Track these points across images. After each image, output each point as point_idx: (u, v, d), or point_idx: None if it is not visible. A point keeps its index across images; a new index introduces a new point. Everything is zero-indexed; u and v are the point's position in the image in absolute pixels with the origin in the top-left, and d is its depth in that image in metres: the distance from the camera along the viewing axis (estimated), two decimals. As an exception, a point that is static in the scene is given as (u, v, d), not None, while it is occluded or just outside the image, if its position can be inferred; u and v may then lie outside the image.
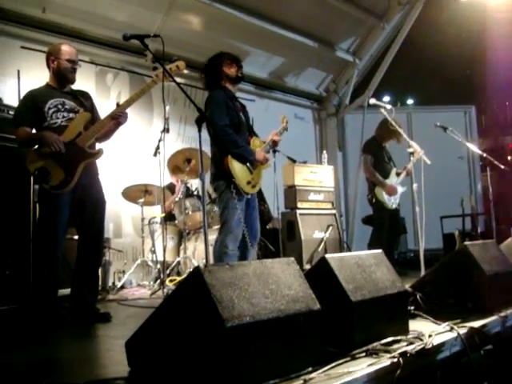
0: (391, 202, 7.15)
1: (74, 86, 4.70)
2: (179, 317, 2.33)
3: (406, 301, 3.32)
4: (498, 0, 9.50)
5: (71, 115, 4.47)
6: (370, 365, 2.43)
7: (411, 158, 5.90)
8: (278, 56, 9.95)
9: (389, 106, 6.01)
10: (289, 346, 2.32)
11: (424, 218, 5.40)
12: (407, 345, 2.75)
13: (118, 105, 4.60)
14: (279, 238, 7.41)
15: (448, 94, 14.29)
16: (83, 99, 4.63)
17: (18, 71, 6.27)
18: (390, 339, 2.78)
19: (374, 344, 2.68)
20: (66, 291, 4.51)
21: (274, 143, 5.13)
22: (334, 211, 8.12)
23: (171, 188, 7.49)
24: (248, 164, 4.70)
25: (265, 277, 2.43)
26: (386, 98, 15.09)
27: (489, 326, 3.44)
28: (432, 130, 6.73)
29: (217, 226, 5.75)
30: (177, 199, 7.15)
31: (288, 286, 2.47)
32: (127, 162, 7.70)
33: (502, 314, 3.66)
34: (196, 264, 6.52)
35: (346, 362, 2.48)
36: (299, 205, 7.61)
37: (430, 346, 2.77)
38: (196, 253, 6.87)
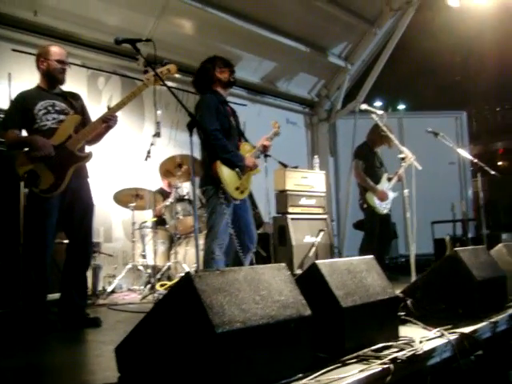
0: (382, 207, 7.16)
1: (66, 88, 4.69)
2: (170, 322, 2.32)
3: (396, 306, 3.32)
4: (490, 7, 9.53)
5: (61, 117, 4.45)
6: (361, 371, 2.42)
7: (402, 164, 5.91)
8: (270, 61, 9.96)
9: (380, 112, 6.03)
10: (279, 352, 2.32)
11: (415, 224, 5.41)
12: (398, 351, 2.75)
13: (108, 108, 4.58)
14: (270, 243, 7.41)
15: (439, 99, 14.36)
16: (73, 101, 4.61)
17: (9, 74, 6.26)
18: (380, 345, 2.78)
19: (365, 350, 2.68)
20: (56, 295, 4.49)
21: (265, 148, 5.12)
22: (325, 216, 8.11)
23: (162, 193, 7.47)
24: (237, 170, 4.69)
25: (255, 282, 2.43)
26: (378, 103, 15.15)
27: (479, 332, 3.44)
28: (423, 136, 6.75)
29: (207, 231, 5.75)
30: (168, 203, 7.13)
31: (279, 292, 2.47)
32: (118, 166, 7.68)
33: (493, 319, 3.67)
34: (187, 269, 6.50)
35: (336, 368, 2.48)
36: (290, 210, 7.60)
37: (421, 351, 2.77)
38: (187, 257, 6.85)
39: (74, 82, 5.91)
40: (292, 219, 7.53)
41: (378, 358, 2.60)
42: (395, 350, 2.78)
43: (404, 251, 10.18)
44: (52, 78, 4.50)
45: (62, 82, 4.57)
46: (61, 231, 4.62)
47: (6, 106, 4.78)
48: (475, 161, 7.00)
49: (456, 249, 4.00)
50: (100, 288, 6.62)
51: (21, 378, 2.75)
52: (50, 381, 2.70)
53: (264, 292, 2.41)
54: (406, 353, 2.70)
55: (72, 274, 4.41)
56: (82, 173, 4.52)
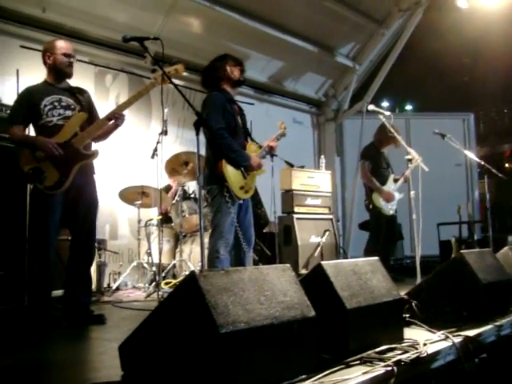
0: (388, 208, 7.15)
1: (72, 85, 4.69)
2: (174, 321, 2.32)
3: (401, 309, 3.31)
4: (498, 8, 9.50)
5: (67, 112, 4.45)
6: (365, 373, 2.41)
7: (409, 165, 5.90)
8: (278, 60, 9.96)
9: (387, 113, 6.02)
10: (283, 353, 2.31)
11: (421, 225, 5.40)
12: (402, 353, 2.73)
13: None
14: (275, 242, 7.40)
15: (447, 100, 14.32)
16: (81, 96, 4.60)
17: (17, 70, 6.26)
18: (384, 347, 2.77)
19: (369, 352, 2.67)
20: (61, 292, 4.50)
21: (271, 149, 5.10)
22: (330, 216, 8.11)
23: (168, 190, 7.47)
24: (242, 169, 4.67)
25: (260, 283, 2.42)
26: (385, 104, 15.13)
27: (484, 335, 3.43)
28: (430, 137, 6.73)
29: (212, 230, 5.75)
30: (174, 202, 7.14)
31: (283, 293, 2.46)
32: (125, 163, 7.69)
33: (497, 323, 3.66)
34: (192, 267, 6.51)
35: (340, 369, 2.47)
36: (296, 209, 7.61)
37: (425, 354, 2.76)
38: (192, 256, 6.86)
39: (81, 79, 5.91)
40: (298, 219, 7.53)
41: (382, 360, 2.59)
42: (399, 352, 2.76)
43: (409, 252, 10.15)
44: (59, 72, 4.49)
45: (69, 75, 4.57)
46: (65, 228, 4.62)
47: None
48: (482, 163, 6.98)
49: (462, 251, 3.98)
50: (105, 285, 6.64)
51: (24, 374, 2.75)
52: (53, 377, 2.70)
53: (268, 292, 2.40)
54: (410, 355, 2.69)
55: (76, 270, 4.41)
56: (88, 170, 4.53)
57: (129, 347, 2.57)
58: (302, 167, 8.04)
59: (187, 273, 6.42)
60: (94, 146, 4.62)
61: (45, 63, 4.52)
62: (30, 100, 4.39)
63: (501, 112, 18.73)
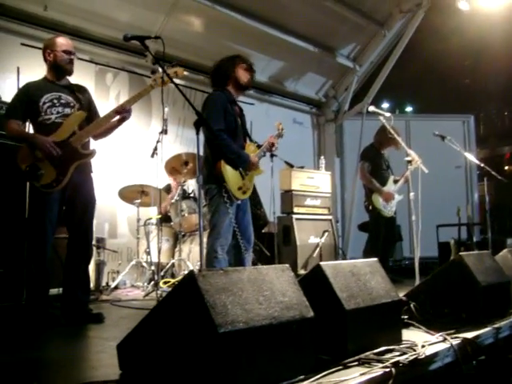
0: (387, 209, 7.15)
1: (73, 82, 4.68)
2: (172, 321, 2.32)
3: (399, 310, 3.31)
4: (500, 11, 9.50)
5: (66, 110, 4.44)
6: (363, 374, 2.41)
7: (409, 167, 5.90)
8: (278, 60, 9.96)
9: (388, 114, 6.02)
10: (281, 354, 2.31)
11: (420, 227, 5.40)
12: (400, 354, 2.74)
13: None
14: (274, 243, 7.41)
15: (447, 102, 14.32)
16: (80, 94, 4.60)
17: (18, 68, 6.26)
18: (382, 348, 2.77)
19: (367, 353, 2.67)
20: (60, 290, 4.49)
21: (271, 145, 5.10)
22: (330, 217, 8.12)
23: (169, 189, 7.47)
24: (240, 169, 4.67)
25: (259, 283, 2.42)
26: (385, 105, 15.14)
27: (482, 337, 3.43)
28: (430, 139, 6.73)
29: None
30: (173, 201, 7.14)
31: (282, 293, 2.47)
32: (124, 162, 7.69)
33: (496, 325, 3.66)
34: (190, 266, 6.51)
35: (338, 370, 2.47)
36: (295, 210, 7.62)
37: (423, 356, 2.76)
38: (191, 255, 6.86)
39: (81, 78, 5.91)
40: (297, 219, 7.54)
41: (380, 361, 2.59)
42: (397, 353, 2.77)
43: (408, 254, 10.14)
44: (59, 69, 4.49)
45: (69, 72, 4.56)
46: (63, 226, 4.62)
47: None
48: (482, 165, 6.98)
49: (461, 253, 3.98)
50: (104, 284, 6.64)
51: (22, 372, 2.75)
52: (51, 376, 2.70)
53: (267, 293, 2.41)
54: (408, 357, 2.69)
55: (73, 269, 4.41)
56: (86, 168, 4.52)
57: (127, 346, 2.57)
58: (302, 168, 8.05)
59: (186, 272, 6.39)
60: (93, 144, 4.62)
61: (45, 60, 4.51)
62: (29, 96, 4.38)
63: (501, 114, 18.74)
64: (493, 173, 6.90)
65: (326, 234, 7.69)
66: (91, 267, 5.36)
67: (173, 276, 6.88)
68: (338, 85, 11.36)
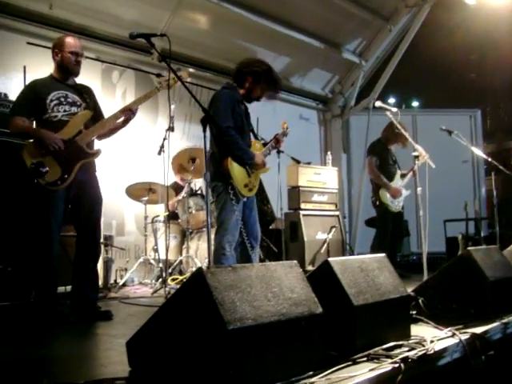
0: (395, 204, 7.15)
1: (79, 81, 4.70)
2: (181, 318, 2.32)
3: (408, 305, 3.31)
4: (506, 5, 9.46)
5: (73, 109, 4.46)
6: (372, 370, 2.41)
7: (416, 162, 5.88)
8: (284, 56, 9.93)
9: (394, 109, 6.01)
10: (290, 350, 2.32)
11: (427, 222, 5.39)
12: (409, 350, 2.73)
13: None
14: (282, 239, 7.41)
15: (453, 97, 14.27)
16: (86, 94, 4.62)
17: (24, 67, 6.28)
18: (391, 344, 2.77)
19: (376, 349, 2.67)
20: (69, 288, 4.51)
21: (277, 142, 5.13)
22: (337, 213, 8.12)
23: (176, 187, 7.47)
24: (247, 167, 4.69)
25: (267, 279, 2.42)
26: (391, 100, 15.10)
27: (491, 333, 3.42)
28: (437, 133, 6.71)
29: (218, 226, 5.76)
30: (180, 198, 7.15)
31: (290, 289, 2.47)
32: (131, 159, 7.70)
33: (504, 320, 3.65)
34: (198, 263, 6.52)
35: (347, 366, 2.47)
36: (303, 206, 7.62)
37: (432, 351, 2.75)
38: (198, 252, 6.87)
39: (88, 76, 5.93)
40: (304, 215, 7.55)
41: (389, 356, 2.59)
42: (406, 349, 2.77)
43: (416, 249, 10.14)
44: (66, 69, 4.50)
45: (76, 74, 4.58)
46: (70, 224, 4.63)
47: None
48: (489, 159, 6.95)
49: (469, 248, 3.97)
50: (112, 281, 6.66)
51: (31, 369, 2.76)
52: (60, 373, 2.70)
53: (276, 289, 2.41)
54: (417, 352, 2.68)
55: (82, 267, 4.43)
56: (90, 167, 4.53)
57: (136, 343, 2.58)
58: (309, 163, 8.05)
59: (194, 269, 6.42)
60: (100, 143, 4.64)
61: (53, 58, 4.52)
62: (36, 93, 4.39)
63: (508, 108, 18.65)
64: (500, 167, 6.87)
65: (334, 229, 7.69)
66: (99, 265, 5.37)
67: (181, 273, 6.89)
68: (344, 80, 11.32)
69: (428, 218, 5.45)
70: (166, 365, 2.34)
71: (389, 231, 7.16)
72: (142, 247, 7.21)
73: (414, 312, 3.57)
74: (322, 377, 2.30)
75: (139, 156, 7.76)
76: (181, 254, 6.97)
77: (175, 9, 7.86)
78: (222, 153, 4.67)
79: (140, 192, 6.84)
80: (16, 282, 4.80)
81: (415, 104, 16.74)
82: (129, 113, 4.57)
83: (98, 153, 4.50)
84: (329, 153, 8.83)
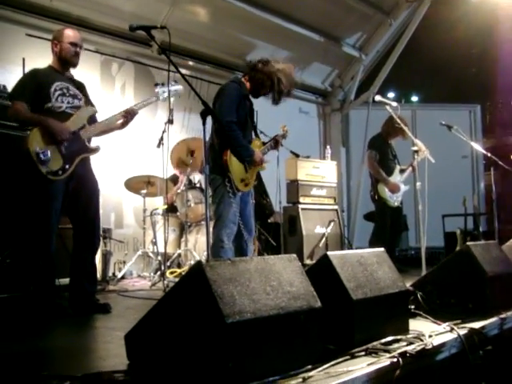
0: (393, 199, 7.15)
1: (79, 73, 4.68)
2: (180, 311, 2.32)
3: (406, 300, 3.31)
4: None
5: (75, 102, 4.47)
6: (370, 364, 2.42)
7: (415, 157, 5.88)
8: (284, 50, 9.89)
9: (394, 104, 6.00)
10: (289, 344, 2.32)
11: (426, 217, 5.39)
12: (407, 345, 2.74)
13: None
14: (280, 233, 7.41)
15: (453, 92, 14.25)
16: (82, 90, 4.65)
17: (23, 59, 6.26)
18: (390, 339, 2.78)
19: (374, 343, 2.68)
20: (67, 280, 4.50)
21: (276, 143, 5.19)
22: (336, 207, 8.13)
23: (174, 179, 7.47)
24: (245, 162, 4.71)
25: (266, 273, 2.42)
26: (391, 95, 15.06)
27: (489, 328, 3.44)
28: (436, 128, 6.71)
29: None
30: (179, 191, 7.14)
31: (289, 283, 2.47)
32: (130, 152, 7.68)
33: (502, 315, 3.66)
34: (197, 256, 6.53)
35: (345, 360, 2.48)
36: (301, 199, 7.63)
37: (430, 346, 2.77)
38: (197, 245, 6.87)
39: (87, 68, 5.92)
40: (303, 209, 7.55)
41: (388, 351, 2.60)
42: (404, 343, 2.78)
43: (414, 243, 10.15)
44: (65, 61, 4.49)
45: (74, 65, 4.56)
46: (67, 217, 4.62)
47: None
48: (489, 154, 6.95)
49: (468, 243, 3.98)
50: (110, 274, 6.65)
51: (29, 362, 2.76)
52: (58, 366, 2.70)
53: (274, 283, 2.41)
54: (416, 347, 2.69)
55: (81, 259, 4.42)
56: (87, 162, 4.53)
57: (135, 336, 2.58)
58: (308, 157, 8.05)
59: (192, 262, 6.43)
60: (96, 140, 4.64)
61: (52, 50, 4.51)
62: (37, 81, 4.36)
63: (508, 104, 18.61)
64: (499, 162, 6.87)
65: (332, 223, 7.70)
66: (98, 257, 5.36)
67: (179, 266, 6.90)
68: (344, 74, 11.30)
69: (426, 213, 5.43)
70: (165, 358, 2.35)
71: (387, 226, 7.17)
72: (140, 240, 7.21)
73: (413, 307, 3.57)
74: (321, 370, 2.30)
75: (138, 149, 7.74)
76: (179, 247, 6.97)
77: (175, 1, 7.82)
78: (222, 145, 4.68)
79: (139, 185, 6.84)
80: (14, 274, 4.79)
81: (415, 99, 16.70)
82: (129, 116, 4.61)
83: (97, 149, 4.51)
84: (328, 147, 8.83)
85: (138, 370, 2.48)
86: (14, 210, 4.90)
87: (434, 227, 7.16)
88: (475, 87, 14.63)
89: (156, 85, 5.11)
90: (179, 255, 6.84)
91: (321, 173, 7.97)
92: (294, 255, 2.68)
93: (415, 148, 5.80)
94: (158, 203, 7.36)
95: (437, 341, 2.88)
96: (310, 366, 2.34)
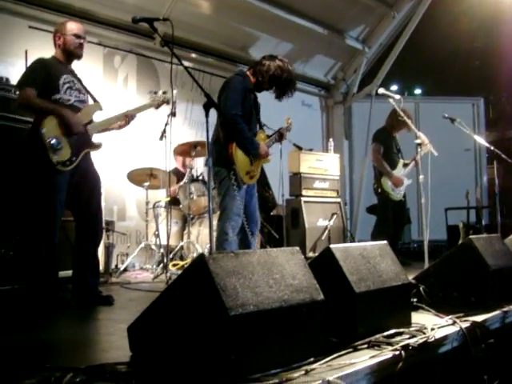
0: (396, 193, 7.15)
1: (81, 66, 4.68)
2: (183, 304, 2.32)
3: (409, 293, 3.32)
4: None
5: (81, 96, 4.49)
6: (372, 357, 2.42)
7: (418, 150, 5.86)
8: (287, 42, 9.87)
9: (397, 96, 5.98)
10: (291, 336, 2.32)
11: (429, 210, 5.38)
12: (409, 337, 2.74)
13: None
14: (283, 225, 7.41)
15: (456, 85, 14.22)
16: (82, 85, 4.66)
17: (26, 51, 6.24)
18: (392, 331, 2.78)
19: (377, 336, 2.68)
20: (70, 273, 4.51)
21: (281, 136, 5.20)
22: (338, 200, 8.13)
23: (177, 173, 7.47)
24: (250, 155, 4.72)
25: (269, 266, 2.42)
26: (394, 87, 15.04)
27: (491, 321, 3.44)
28: (439, 121, 6.69)
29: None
30: (181, 184, 7.14)
31: (292, 276, 2.47)
32: (133, 145, 7.67)
33: (505, 308, 3.66)
34: (199, 249, 6.54)
35: (348, 353, 2.48)
36: (304, 192, 7.63)
37: (433, 339, 2.76)
38: (200, 238, 6.88)
39: (89, 60, 5.90)
40: (305, 202, 7.56)
41: (390, 344, 2.60)
42: (407, 336, 2.78)
43: (417, 236, 10.15)
44: (69, 53, 4.47)
45: (79, 57, 4.54)
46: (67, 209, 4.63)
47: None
48: (491, 148, 6.93)
49: (471, 236, 3.98)
50: (113, 266, 6.65)
51: (32, 354, 2.77)
52: (61, 358, 2.71)
53: (277, 275, 2.41)
54: (418, 340, 2.69)
55: (83, 252, 4.42)
56: (89, 156, 4.54)
57: (137, 328, 2.58)
58: (311, 150, 8.04)
59: (195, 255, 6.45)
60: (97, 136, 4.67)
61: (55, 44, 4.49)
62: (47, 71, 4.32)
63: (511, 97, 18.57)
64: (503, 156, 6.85)
65: (335, 216, 7.70)
66: (100, 250, 5.37)
67: (182, 258, 6.91)
68: (347, 67, 11.26)
69: (429, 206, 5.43)
70: (168, 350, 2.35)
71: (389, 219, 7.17)
72: (143, 232, 7.22)
73: (415, 300, 3.58)
74: (323, 363, 2.30)
75: (141, 141, 7.73)
76: (182, 240, 6.98)
77: (178, -7, 7.80)
78: (227, 138, 4.70)
79: (141, 177, 6.84)
80: (18, 266, 4.79)
81: (418, 91, 16.68)
82: (129, 119, 4.70)
83: (100, 145, 4.53)
84: (331, 139, 8.83)
85: (141, 361, 2.48)
86: (17, 203, 4.90)
87: (436, 220, 7.14)
88: (478, 80, 14.61)
89: (150, 92, 5.20)
90: (182, 248, 6.85)
91: (323, 165, 7.97)
92: (297, 248, 2.68)
93: (418, 141, 5.79)
94: (161, 196, 7.37)
95: (439, 334, 2.88)
96: (312, 359, 2.34)
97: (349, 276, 2.74)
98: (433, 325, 3.00)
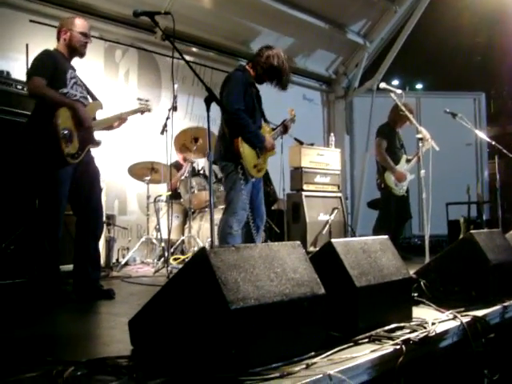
0: (399, 188, 7.15)
1: (82, 61, 4.66)
2: (184, 297, 2.32)
3: (410, 287, 3.32)
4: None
5: (84, 93, 4.50)
6: (373, 351, 2.43)
7: (420, 145, 5.86)
8: (288, 36, 9.86)
9: (399, 91, 5.97)
10: (292, 330, 2.32)
11: (430, 204, 5.38)
12: (410, 332, 2.75)
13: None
14: (284, 220, 7.42)
15: (458, 80, 14.20)
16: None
17: (27, 45, 6.23)
18: (393, 326, 2.78)
19: (378, 330, 2.68)
20: (71, 267, 4.51)
21: (285, 129, 5.22)
22: (339, 194, 8.13)
23: (177, 166, 7.47)
24: (257, 149, 4.74)
25: (270, 260, 2.42)
26: (395, 82, 15.03)
27: (492, 315, 3.44)
28: (441, 116, 6.68)
29: (222, 206, 5.75)
30: (183, 178, 7.14)
31: (293, 270, 2.47)
32: (134, 139, 7.66)
33: (505, 303, 3.66)
34: (200, 243, 6.55)
35: (349, 347, 2.48)
36: (305, 187, 7.63)
37: (433, 333, 2.77)
38: (201, 232, 6.88)
39: (91, 55, 5.86)
40: (306, 196, 7.56)
41: (391, 338, 2.60)
42: (408, 331, 2.78)
43: (417, 231, 10.15)
44: (73, 49, 4.45)
45: (82, 55, 4.54)
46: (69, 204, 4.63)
47: (23, 77, 4.74)
48: (493, 143, 6.92)
49: (471, 231, 3.98)
50: (114, 260, 6.66)
51: (34, 348, 2.77)
52: (62, 352, 2.71)
53: (279, 269, 2.41)
54: (419, 334, 2.70)
55: (84, 246, 4.42)
56: (90, 152, 4.54)
57: (138, 322, 2.59)
58: (312, 145, 8.04)
59: (196, 249, 6.45)
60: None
61: (59, 38, 4.45)
62: (55, 63, 4.28)
63: (512, 92, 18.57)
64: (504, 151, 6.84)
65: (336, 211, 7.70)
66: (101, 244, 5.38)
67: (182, 253, 6.92)
68: (348, 61, 11.25)
69: (430, 201, 5.42)
70: (169, 344, 2.35)
71: (391, 214, 7.16)
72: (144, 227, 7.23)
73: (416, 294, 3.58)
74: (324, 357, 2.30)
75: (142, 135, 7.73)
76: (183, 234, 6.98)
77: (179, -13, 7.79)
78: (232, 133, 4.71)
79: (142, 171, 6.85)
80: (19, 260, 4.80)
81: (419, 86, 16.68)
82: (122, 122, 4.75)
83: (99, 143, 4.55)
84: (332, 134, 8.82)
85: (142, 355, 2.48)
86: (17, 197, 4.90)
87: (437, 215, 7.14)
88: (480, 75, 14.58)
89: (138, 99, 5.27)
90: (183, 242, 6.86)
91: (325, 160, 7.97)
92: (298, 242, 2.68)
93: (419, 136, 5.78)
94: (162, 190, 7.37)
95: (440, 328, 2.88)
96: (313, 353, 2.34)
97: (350, 270, 2.74)
98: (433, 319, 3.00)
